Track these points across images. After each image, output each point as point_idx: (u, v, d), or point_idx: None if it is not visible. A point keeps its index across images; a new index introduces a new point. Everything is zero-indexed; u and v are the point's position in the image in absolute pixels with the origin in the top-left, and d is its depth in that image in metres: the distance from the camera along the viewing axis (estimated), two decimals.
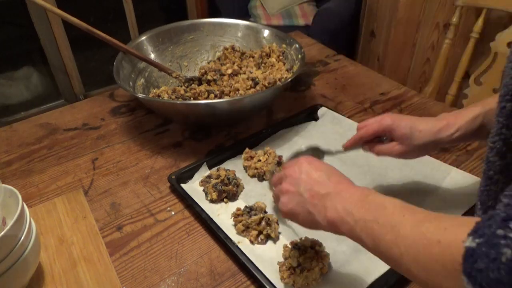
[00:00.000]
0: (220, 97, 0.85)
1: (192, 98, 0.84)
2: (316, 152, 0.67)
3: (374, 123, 0.62)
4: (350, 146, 0.65)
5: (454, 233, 0.31)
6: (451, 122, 0.57)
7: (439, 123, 0.58)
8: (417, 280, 0.35)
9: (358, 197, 0.44)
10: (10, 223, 0.47)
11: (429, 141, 0.58)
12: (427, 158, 0.72)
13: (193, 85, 0.90)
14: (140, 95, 0.83)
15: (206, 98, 0.84)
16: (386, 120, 0.61)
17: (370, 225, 0.40)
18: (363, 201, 0.43)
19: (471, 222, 0.30)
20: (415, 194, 0.68)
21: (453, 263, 0.30)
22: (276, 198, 0.54)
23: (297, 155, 0.66)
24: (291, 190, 0.50)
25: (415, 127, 0.58)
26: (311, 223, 0.48)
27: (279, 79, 0.86)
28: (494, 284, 0.26)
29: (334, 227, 0.45)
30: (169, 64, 1.00)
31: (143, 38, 0.98)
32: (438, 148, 0.74)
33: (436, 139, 0.58)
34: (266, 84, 0.84)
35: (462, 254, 0.28)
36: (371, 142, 0.64)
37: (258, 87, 0.84)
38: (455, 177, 0.70)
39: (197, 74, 0.98)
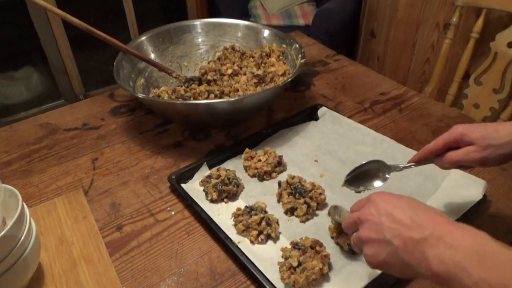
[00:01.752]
0: (220, 97, 0.85)
1: (192, 98, 0.84)
2: (382, 167, 0.62)
3: (444, 134, 0.56)
4: (417, 160, 0.60)
5: None
6: None
7: None
8: None
9: (470, 246, 0.35)
10: (10, 223, 0.47)
11: (510, 141, 0.51)
12: (408, 151, 0.71)
13: (193, 85, 0.90)
14: (140, 95, 0.83)
15: (206, 98, 0.84)
16: (456, 127, 0.55)
17: None
18: (479, 254, 0.34)
19: None
20: (415, 195, 0.68)
21: None
22: (356, 246, 0.48)
23: (361, 172, 0.62)
24: (374, 238, 0.43)
25: (491, 127, 0.52)
26: (410, 274, 0.41)
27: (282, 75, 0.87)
28: None
29: (444, 282, 0.37)
30: (169, 64, 1.00)
31: (143, 38, 0.98)
32: None
33: None
34: (272, 77, 0.84)
35: None
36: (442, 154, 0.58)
37: (263, 85, 0.84)
38: (455, 177, 0.70)
39: (197, 74, 0.98)
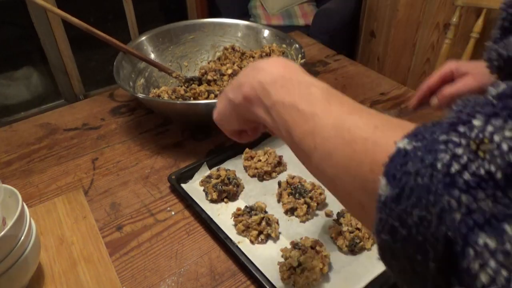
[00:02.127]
0: None
1: (192, 98, 0.84)
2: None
3: (437, 72, 0.55)
4: (417, 102, 0.59)
5: (386, 133, 0.26)
6: None
7: None
8: (322, 179, 0.31)
9: (278, 73, 0.35)
10: (10, 223, 0.47)
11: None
12: None
13: (193, 85, 0.90)
14: (140, 95, 0.83)
15: (206, 98, 0.84)
16: (449, 64, 0.55)
17: (287, 111, 0.33)
18: (285, 79, 0.35)
19: (410, 126, 0.24)
20: None
21: (373, 162, 0.25)
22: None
23: None
24: (221, 96, 0.43)
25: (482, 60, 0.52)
26: (232, 114, 0.41)
27: None
28: (420, 190, 0.21)
29: (249, 107, 0.37)
30: (169, 64, 1.00)
31: (143, 38, 0.98)
32: None
33: None
34: None
35: (391, 155, 0.23)
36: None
37: None
38: None
39: (197, 74, 0.98)
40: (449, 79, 0.55)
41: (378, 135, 0.26)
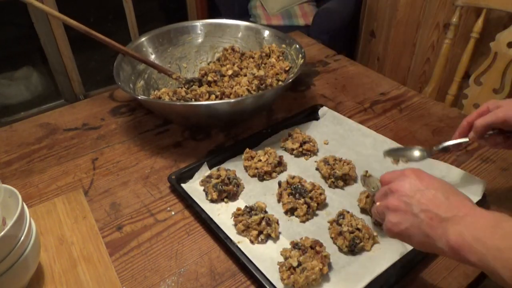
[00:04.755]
0: (221, 98, 0.85)
1: (193, 100, 0.84)
2: (422, 150, 0.66)
3: (488, 115, 0.57)
4: (458, 136, 0.62)
5: None
6: None
7: None
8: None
9: (488, 222, 0.39)
10: (10, 223, 0.47)
11: None
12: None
13: (193, 86, 0.90)
14: (142, 97, 0.83)
15: (207, 100, 0.84)
16: (487, 102, 0.57)
17: (506, 255, 0.36)
18: (495, 227, 0.38)
19: None
20: None
21: None
22: (379, 214, 0.51)
23: (402, 149, 0.69)
24: (401, 208, 0.46)
25: None
26: (427, 247, 0.45)
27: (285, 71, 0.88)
28: None
29: (458, 254, 0.41)
30: (169, 65, 1.00)
31: (143, 39, 0.98)
32: None
33: None
34: (273, 80, 0.85)
35: None
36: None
37: (263, 86, 0.85)
38: (454, 177, 0.70)
39: (197, 75, 0.98)
40: (496, 126, 0.58)
41: None
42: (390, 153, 0.67)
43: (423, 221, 0.44)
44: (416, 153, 0.66)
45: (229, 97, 0.84)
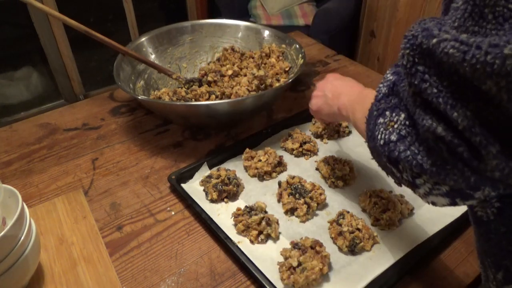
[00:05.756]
0: (221, 99, 0.85)
1: (193, 100, 0.84)
2: None
3: None
4: None
5: (366, 119, 0.45)
6: None
7: None
8: (361, 132, 0.51)
9: (358, 91, 0.59)
10: (10, 223, 0.47)
11: None
12: None
13: (194, 86, 0.90)
14: (143, 97, 0.83)
15: (207, 99, 0.84)
16: None
17: (356, 106, 0.54)
18: (360, 93, 0.57)
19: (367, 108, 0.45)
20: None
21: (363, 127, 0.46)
22: (311, 106, 0.71)
23: None
24: (319, 95, 0.68)
25: None
26: (331, 116, 0.65)
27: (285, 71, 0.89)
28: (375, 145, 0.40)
29: (341, 113, 0.60)
30: (168, 65, 1.00)
31: (143, 39, 0.98)
32: None
33: None
34: (273, 80, 0.85)
35: (365, 128, 0.44)
36: None
37: (263, 86, 0.85)
38: None
39: (196, 75, 0.98)
40: None
41: (364, 120, 0.45)
42: None
43: (329, 98, 0.64)
44: None
45: (229, 97, 0.84)
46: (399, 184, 0.40)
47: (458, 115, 0.29)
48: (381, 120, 0.38)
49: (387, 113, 0.38)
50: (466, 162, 0.31)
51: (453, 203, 0.36)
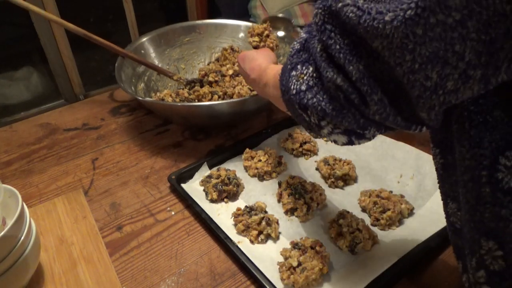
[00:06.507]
0: (223, 99, 0.85)
1: (196, 100, 0.84)
2: None
3: None
4: None
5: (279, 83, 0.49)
6: None
7: None
8: (271, 98, 0.57)
9: (263, 67, 0.62)
10: (10, 223, 0.47)
11: None
12: (408, 147, 0.76)
13: (196, 87, 0.90)
14: (148, 99, 0.82)
15: (210, 100, 0.84)
16: None
17: (268, 78, 0.57)
18: (266, 69, 0.60)
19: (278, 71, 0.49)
20: (416, 196, 0.68)
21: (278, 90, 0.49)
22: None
23: None
24: (241, 72, 0.70)
25: None
26: (252, 84, 0.66)
27: None
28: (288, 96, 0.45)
29: (258, 84, 0.62)
30: (167, 67, 1.00)
31: (143, 40, 0.98)
32: None
33: None
34: None
35: (281, 87, 0.47)
36: None
37: None
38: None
39: (195, 76, 0.98)
40: None
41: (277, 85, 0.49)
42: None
43: (248, 73, 0.65)
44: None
45: (231, 97, 0.84)
46: (308, 128, 0.46)
47: (353, 69, 0.35)
48: (293, 73, 0.43)
49: (299, 66, 0.43)
50: (356, 107, 0.38)
51: (350, 142, 0.44)
